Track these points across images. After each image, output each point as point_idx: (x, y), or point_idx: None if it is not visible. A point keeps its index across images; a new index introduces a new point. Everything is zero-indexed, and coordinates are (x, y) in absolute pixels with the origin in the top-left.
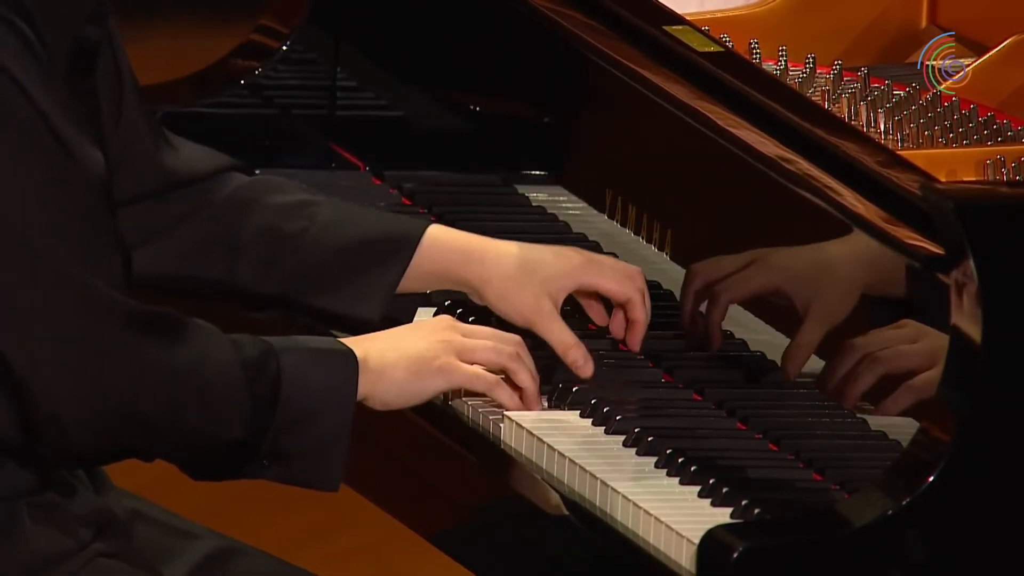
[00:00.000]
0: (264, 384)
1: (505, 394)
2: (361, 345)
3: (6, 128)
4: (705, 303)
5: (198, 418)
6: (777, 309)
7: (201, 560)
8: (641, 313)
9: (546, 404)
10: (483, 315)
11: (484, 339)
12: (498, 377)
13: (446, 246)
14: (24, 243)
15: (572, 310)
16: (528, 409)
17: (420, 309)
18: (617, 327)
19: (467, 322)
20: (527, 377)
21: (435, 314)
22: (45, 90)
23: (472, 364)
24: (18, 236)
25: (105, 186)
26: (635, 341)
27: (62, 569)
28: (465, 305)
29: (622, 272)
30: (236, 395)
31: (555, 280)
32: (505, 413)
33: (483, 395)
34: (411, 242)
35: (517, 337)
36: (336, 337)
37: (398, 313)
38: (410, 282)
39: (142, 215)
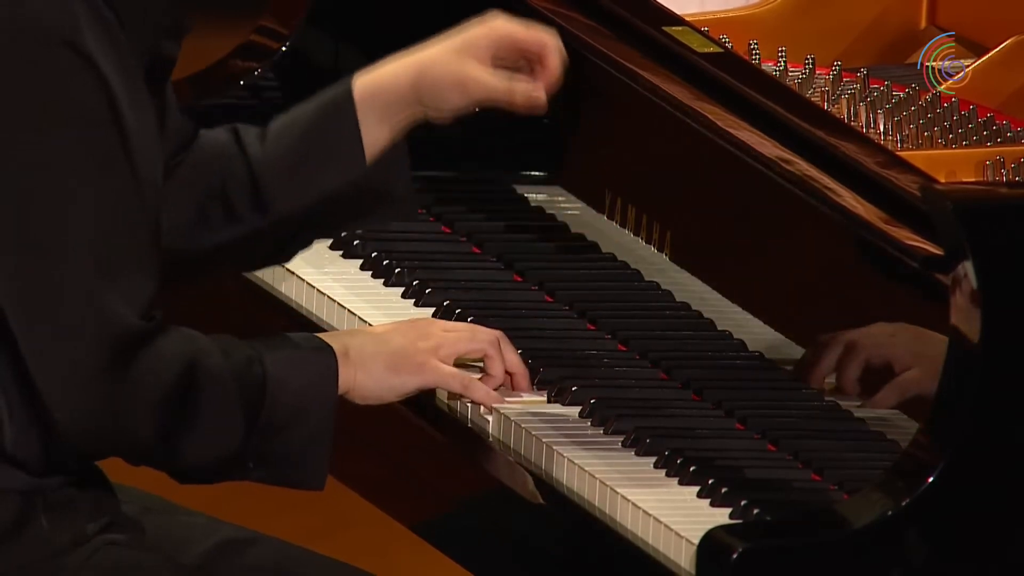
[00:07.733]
0: (251, 391)
1: (479, 392)
2: (340, 340)
3: (85, 131)
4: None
5: (189, 436)
6: (776, 308)
7: (215, 546)
8: (551, 60)
9: (544, 400)
10: (479, 317)
11: (461, 333)
12: (473, 376)
13: (377, 81)
14: (57, 248)
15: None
16: (503, 400)
17: (415, 309)
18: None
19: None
20: (500, 369)
21: (433, 314)
22: (130, 104)
23: (453, 360)
24: (53, 239)
25: (157, 210)
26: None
27: (73, 557)
28: (461, 306)
29: (533, 27)
30: (228, 411)
31: (476, 43)
32: (504, 412)
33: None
34: (347, 95)
35: (497, 332)
36: (316, 333)
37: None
38: (372, 128)
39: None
